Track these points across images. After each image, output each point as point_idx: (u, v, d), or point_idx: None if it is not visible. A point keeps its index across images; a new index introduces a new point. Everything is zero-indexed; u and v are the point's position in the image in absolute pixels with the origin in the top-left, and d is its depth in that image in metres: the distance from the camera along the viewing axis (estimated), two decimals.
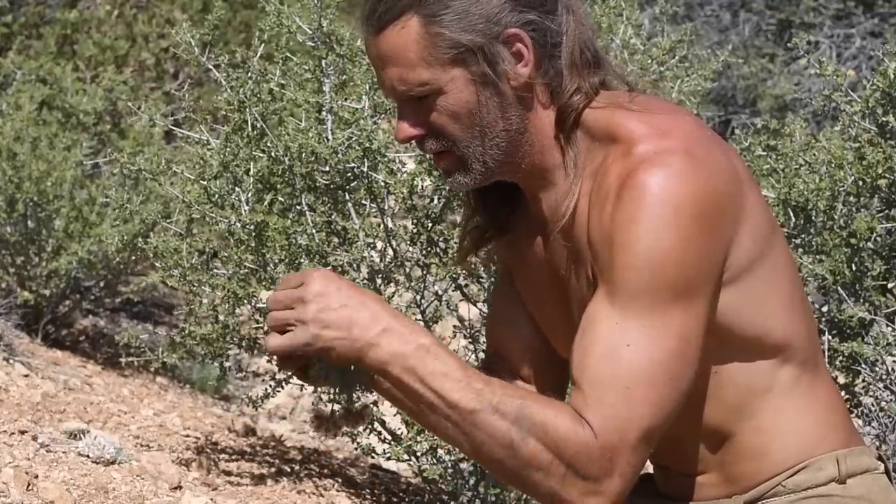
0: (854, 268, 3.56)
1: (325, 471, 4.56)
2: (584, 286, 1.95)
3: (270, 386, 4.08)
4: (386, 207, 3.90)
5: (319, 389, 4.20)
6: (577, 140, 1.97)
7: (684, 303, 1.84)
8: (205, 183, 3.97)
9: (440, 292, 4.03)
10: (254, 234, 3.88)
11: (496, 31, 1.92)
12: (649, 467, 2.12)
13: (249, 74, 3.95)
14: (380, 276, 3.93)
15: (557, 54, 1.95)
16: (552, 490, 1.83)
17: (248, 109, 3.92)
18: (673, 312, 1.83)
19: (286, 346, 1.84)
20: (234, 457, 4.49)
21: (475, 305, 4.02)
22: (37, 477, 3.60)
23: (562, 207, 1.97)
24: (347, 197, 3.89)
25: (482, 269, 3.83)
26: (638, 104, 1.95)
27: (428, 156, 2.01)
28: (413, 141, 1.99)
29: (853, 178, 3.57)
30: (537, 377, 2.16)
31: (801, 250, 3.61)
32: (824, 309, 3.61)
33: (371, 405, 4.08)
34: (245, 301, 3.98)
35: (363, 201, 3.92)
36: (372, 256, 3.91)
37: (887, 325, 3.53)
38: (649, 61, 4.13)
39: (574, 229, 1.96)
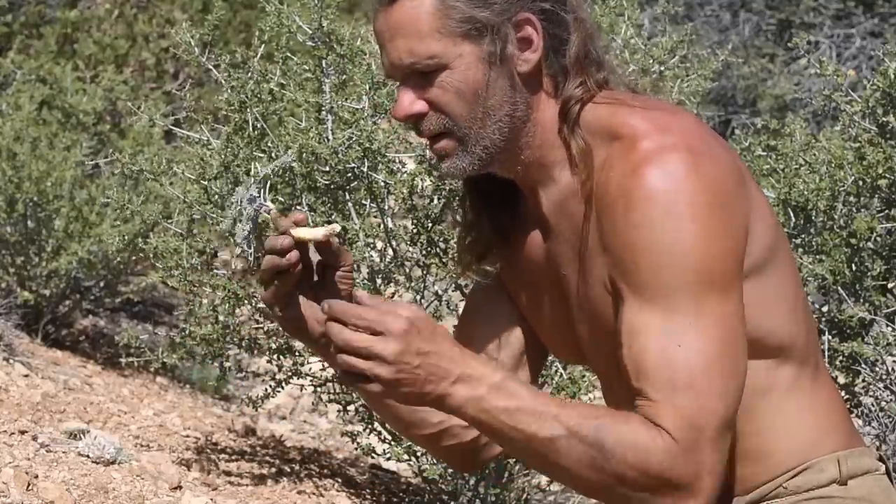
0: (854, 268, 3.55)
1: (325, 471, 4.56)
2: (593, 286, 1.94)
3: (270, 386, 4.08)
4: (386, 207, 3.90)
5: (318, 389, 4.21)
6: (579, 136, 1.96)
7: (720, 290, 1.84)
8: (205, 183, 3.97)
9: (440, 292, 4.03)
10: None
11: (510, 13, 1.92)
12: None
13: (250, 74, 3.94)
14: (380, 276, 3.93)
15: (564, 50, 1.95)
16: (647, 502, 1.83)
17: (248, 110, 3.92)
18: (711, 302, 1.83)
19: (360, 372, 1.81)
20: (234, 457, 4.49)
21: None
22: (37, 477, 3.59)
23: (567, 205, 1.96)
24: (347, 197, 3.89)
25: None
26: (639, 101, 1.95)
27: (424, 142, 2.00)
28: (410, 121, 1.97)
29: (853, 178, 3.57)
30: None
31: (801, 250, 3.61)
32: (824, 309, 3.61)
33: None
34: (245, 301, 3.98)
35: (363, 201, 3.92)
36: (372, 256, 3.91)
37: (887, 325, 3.53)
38: (650, 61, 4.13)
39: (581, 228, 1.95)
